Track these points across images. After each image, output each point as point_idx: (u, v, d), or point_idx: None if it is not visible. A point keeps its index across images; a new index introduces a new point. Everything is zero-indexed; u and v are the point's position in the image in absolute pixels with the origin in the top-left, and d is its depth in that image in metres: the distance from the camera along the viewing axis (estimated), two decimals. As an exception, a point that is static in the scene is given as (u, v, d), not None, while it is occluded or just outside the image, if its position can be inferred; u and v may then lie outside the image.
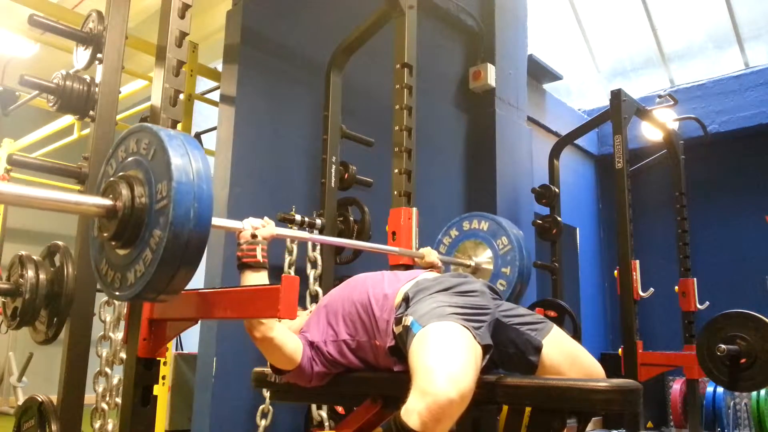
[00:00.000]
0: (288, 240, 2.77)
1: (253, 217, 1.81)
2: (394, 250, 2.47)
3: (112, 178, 1.31)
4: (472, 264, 2.83)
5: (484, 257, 2.85)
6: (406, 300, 1.66)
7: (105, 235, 1.29)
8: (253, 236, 1.69)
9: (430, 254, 2.43)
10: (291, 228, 2.77)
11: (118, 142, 1.37)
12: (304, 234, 2.20)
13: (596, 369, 1.69)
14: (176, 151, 1.20)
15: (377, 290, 1.77)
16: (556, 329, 1.74)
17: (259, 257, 1.66)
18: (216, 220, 1.62)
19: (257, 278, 1.66)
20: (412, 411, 1.29)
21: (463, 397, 1.30)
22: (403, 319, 1.57)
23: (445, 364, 1.36)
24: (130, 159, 1.31)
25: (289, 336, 1.72)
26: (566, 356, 1.68)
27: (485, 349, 1.51)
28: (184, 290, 1.41)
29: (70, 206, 1.30)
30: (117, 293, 1.29)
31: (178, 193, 1.15)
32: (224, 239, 2.76)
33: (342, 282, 1.99)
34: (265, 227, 1.74)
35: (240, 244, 1.69)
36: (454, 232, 2.99)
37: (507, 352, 1.70)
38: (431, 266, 2.38)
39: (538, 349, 1.67)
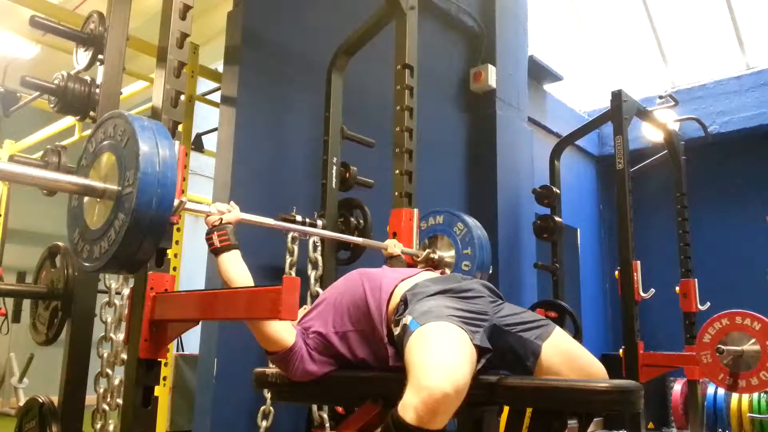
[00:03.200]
0: (289, 241, 2.77)
1: (253, 216, 1.84)
2: (358, 240, 2.62)
3: (89, 159, 1.46)
4: (436, 257, 2.86)
5: (445, 250, 2.91)
6: (405, 301, 1.66)
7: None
8: (220, 221, 1.78)
9: (393, 246, 2.51)
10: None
11: (99, 123, 1.49)
12: (269, 221, 2.19)
13: (596, 368, 1.68)
14: (146, 143, 1.32)
15: (374, 285, 1.78)
16: (557, 331, 1.73)
17: (233, 240, 1.75)
18: (187, 204, 1.68)
19: (234, 257, 1.74)
20: (408, 406, 1.30)
21: (457, 391, 1.31)
22: (402, 319, 1.57)
23: (440, 359, 1.37)
24: (106, 142, 1.42)
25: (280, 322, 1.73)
26: (565, 358, 1.68)
27: (481, 351, 1.52)
28: (184, 291, 1.41)
29: (51, 183, 1.43)
30: (86, 264, 1.42)
31: (143, 183, 1.28)
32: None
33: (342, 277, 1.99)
34: (231, 212, 1.84)
35: (210, 231, 1.77)
36: None
37: (505, 357, 1.70)
38: (392, 256, 2.50)
39: (536, 355, 1.67)
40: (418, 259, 2.64)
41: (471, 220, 2.91)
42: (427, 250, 2.78)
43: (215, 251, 1.74)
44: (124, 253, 1.31)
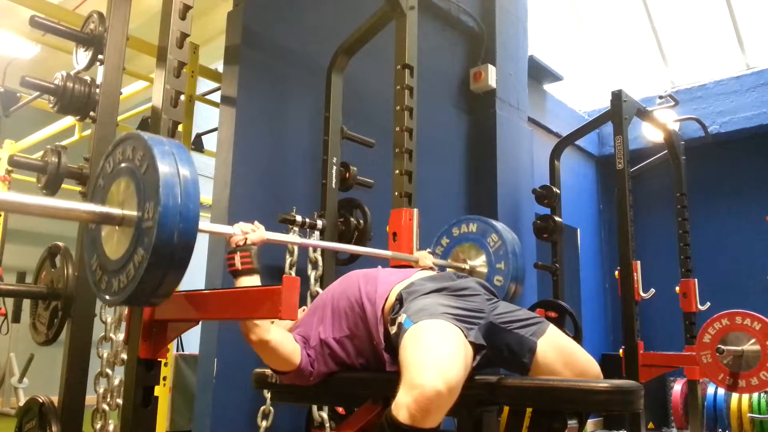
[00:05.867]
0: (289, 241, 2.77)
1: (254, 219, 1.81)
2: (387, 254, 2.47)
3: (106, 181, 1.38)
4: (467, 267, 2.82)
5: (478, 260, 2.84)
6: (400, 300, 1.66)
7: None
8: (245, 241, 1.69)
9: (425, 258, 2.43)
10: (291, 228, 2.77)
11: (117, 143, 1.40)
12: (295, 239, 2.19)
13: (591, 366, 1.69)
14: (166, 171, 1.23)
15: (369, 287, 1.78)
16: (552, 328, 1.74)
17: (255, 263, 1.66)
18: (206, 225, 1.63)
19: (253, 283, 1.66)
20: (401, 405, 1.29)
21: (450, 389, 1.30)
22: (398, 317, 1.57)
23: (433, 357, 1.37)
24: (125, 165, 1.33)
25: (286, 337, 1.72)
26: (560, 355, 1.68)
27: (476, 347, 1.52)
28: (184, 291, 1.41)
29: (65, 213, 1.34)
30: (105, 297, 1.34)
31: (164, 216, 1.19)
32: (225, 240, 2.75)
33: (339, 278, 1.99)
34: (255, 232, 1.75)
35: (232, 251, 1.69)
36: (445, 240, 2.95)
37: (502, 355, 1.70)
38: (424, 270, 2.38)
39: (532, 351, 1.67)
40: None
41: (505, 231, 2.80)
42: (459, 263, 2.74)
43: (235, 273, 1.66)
44: (145, 291, 1.24)
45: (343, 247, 2.64)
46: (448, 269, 2.92)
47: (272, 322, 1.72)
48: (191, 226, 1.23)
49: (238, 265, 1.65)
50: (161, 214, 1.19)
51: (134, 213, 1.26)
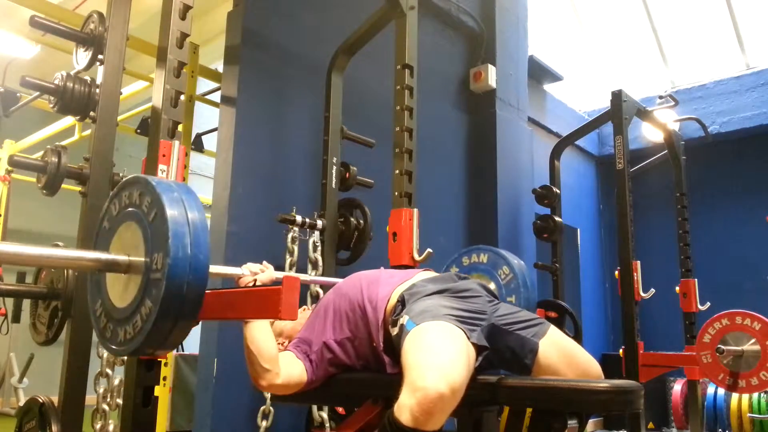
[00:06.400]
0: (289, 241, 2.77)
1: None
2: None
3: (111, 224, 1.35)
4: None
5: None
6: (402, 301, 1.66)
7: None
8: (254, 282, 1.68)
9: None
10: (291, 229, 2.77)
11: (123, 186, 1.35)
12: (305, 277, 2.19)
13: (593, 367, 1.69)
14: (176, 220, 1.19)
15: (371, 290, 1.78)
16: (552, 329, 1.74)
17: None
18: (214, 268, 1.61)
19: (263, 327, 1.67)
20: (404, 407, 1.29)
21: (453, 391, 1.30)
22: (399, 319, 1.57)
23: (436, 359, 1.36)
24: (131, 210, 1.30)
25: (291, 368, 1.71)
26: (562, 355, 1.69)
27: (479, 349, 1.52)
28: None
29: (69, 262, 1.32)
30: (111, 347, 1.31)
31: (173, 268, 1.16)
32: (225, 241, 2.76)
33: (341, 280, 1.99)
34: (265, 272, 1.74)
35: None
36: (454, 269, 2.94)
37: (504, 356, 1.70)
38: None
39: (534, 352, 1.67)
40: None
41: (517, 263, 2.77)
42: None
43: None
44: (154, 342, 1.21)
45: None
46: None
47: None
48: (201, 276, 1.21)
49: None
50: (171, 266, 1.15)
51: (141, 260, 1.23)
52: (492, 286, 2.79)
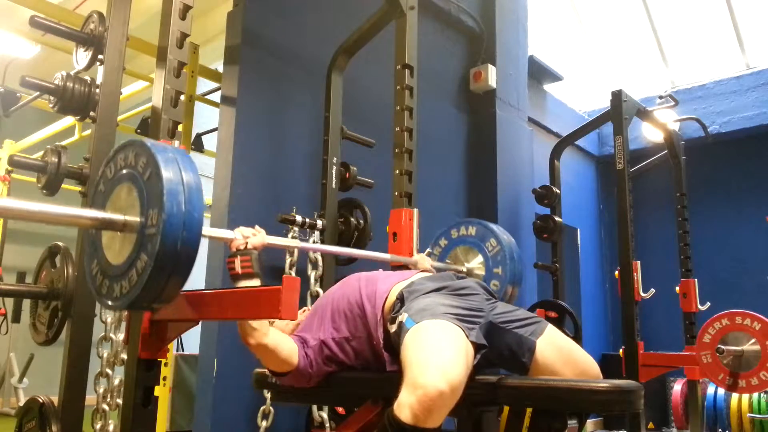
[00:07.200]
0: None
1: (255, 219, 1.81)
2: (386, 257, 2.47)
3: (107, 187, 1.38)
4: (464, 269, 2.82)
5: (475, 262, 2.84)
6: (401, 299, 1.67)
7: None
8: (245, 245, 1.69)
9: (424, 261, 2.43)
10: (291, 229, 2.77)
11: (118, 149, 1.39)
12: (295, 242, 2.19)
13: (590, 366, 1.69)
14: (170, 179, 1.22)
15: (369, 288, 1.78)
16: (550, 328, 1.74)
17: (255, 268, 1.65)
18: (208, 230, 1.62)
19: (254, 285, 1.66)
20: (404, 405, 1.30)
21: (453, 389, 1.31)
22: (398, 316, 1.57)
23: (435, 357, 1.37)
24: (127, 171, 1.33)
25: (283, 339, 1.73)
26: (560, 354, 1.69)
27: (477, 347, 1.52)
28: (184, 291, 1.41)
29: (67, 219, 1.34)
30: (107, 302, 1.34)
31: (168, 225, 1.19)
32: (225, 245, 2.75)
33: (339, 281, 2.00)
34: (256, 236, 1.74)
35: (232, 255, 1.68)
36: (443, 242, 2.95)
37: (502, 354, 1.70)
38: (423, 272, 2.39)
39: (531, 351, 1.68)
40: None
41: (503, 235, 2.80)
42: (457, 265, 2.75)
43: (235, 278, 1.65)
44: (148, 296, 1.25)
45: (341, 250, 2.64)
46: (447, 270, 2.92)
47: (271, 323, 1.72)
48: (195, 233, 1.23)
49: (238, 269, 1.64)
50: (165, 222, 1.19)
51: (137, 219, 1.26)
52: (480, 258, 2.82)
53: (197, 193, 1.25)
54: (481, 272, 2.80)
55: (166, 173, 1.22)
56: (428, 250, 2.77)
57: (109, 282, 1.32)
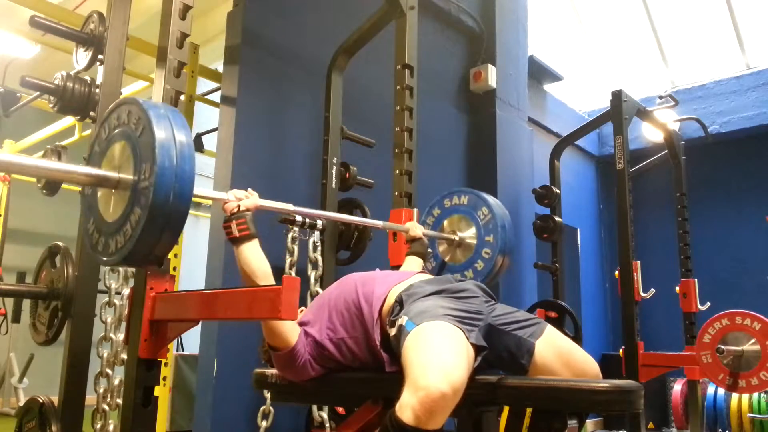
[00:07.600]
0: (289, 241, 2.77)
1: (271, 202, 1.82)
2: (378, 223, 2.52)
3: (101, 147, 1.42)
4: (456, 238, 2.82)
5: (467, 231, 2.86)
6: (400, 302, 1.67)
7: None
8: (238, 208, 1.73)
9: (415, 228, 2.50)
10: (291, 229, 2.77)
11: (113, 108, 1.44)
12: (289, 206, 2.21)
13: (590, 366, 1.69)
14: (162, 133, 1.26)
15: (366, 288, 1.78)
16: (549, 329, 1.74)
17: (251, 229, 1.69)
18: (200, 191, 1.65)
19: (253, 248, 1.69)
20: (405, 406, 1.30)
21: (455, 391, 1.31)
22: (398, 320, 1.57)
23: (437, 358, 1.37)
24: (120, 130, 1.38)
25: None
26: (559, 356, 1.69)
27: (477, 349, 1.52)
28: (184, 291, 1.41)
29: (63, 175, 1.40)
30: (102, 258, 1.38)
31: (160, 176, 1.23)
32: (225, 240, 2.75)
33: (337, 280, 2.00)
34: (250, 198, 1.78)
35: (227, 219, 1.71)
36: (436, 211, 3.00)
37: (501, 356, 1.70)
38: (414, 239, 2.48)
39: (530, 352, 1.68)
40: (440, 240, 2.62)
41: (495, 204, 2.83)
42: (449, 235, 2.76)
43: (234, 241, 1.68)
44: (142, 250, 1.27)
45: (335, 216, 2.64)
46: (437, 242, 2.93)
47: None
48: (187, 186, 1.27)
49: (236, 233, 1.68)
50: (158, 174, 1.22)
51: (130, 176, 1.30)
52: (472, 229, 2.83)
53: (188, 147, 1.29)
54: (473, 242, 2.82)
55: (158, 128, 1.27)
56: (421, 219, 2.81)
57: (104, 239, 1.35)
